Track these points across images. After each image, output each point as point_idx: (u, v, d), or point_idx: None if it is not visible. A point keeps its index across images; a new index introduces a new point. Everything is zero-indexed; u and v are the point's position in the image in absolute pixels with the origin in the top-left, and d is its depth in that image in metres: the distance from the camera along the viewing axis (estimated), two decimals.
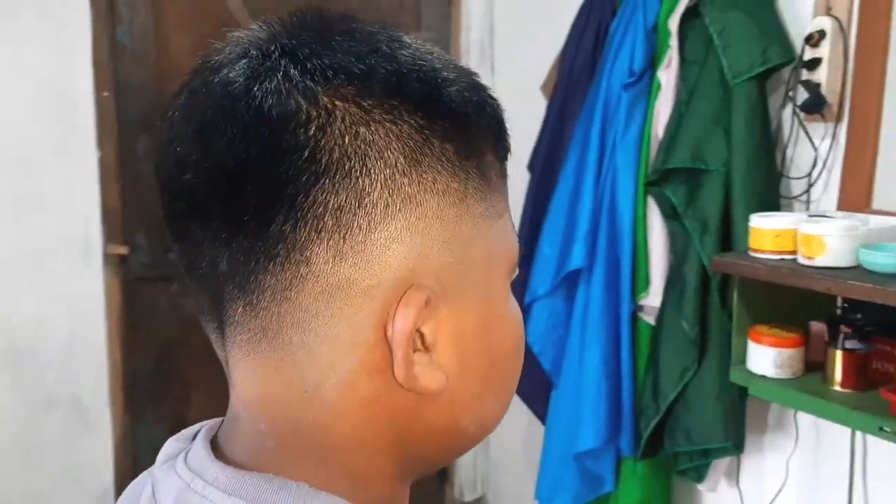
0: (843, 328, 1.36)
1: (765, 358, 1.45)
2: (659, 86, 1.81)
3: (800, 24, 1.65)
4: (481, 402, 0.47)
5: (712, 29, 1.66)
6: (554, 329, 1.98)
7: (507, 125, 0.49)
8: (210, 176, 0.42)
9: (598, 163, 1.89)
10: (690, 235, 1.68)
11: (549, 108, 2.21)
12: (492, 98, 0.47)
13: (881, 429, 1.26)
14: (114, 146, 2.17)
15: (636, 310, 1.88)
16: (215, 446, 0.47)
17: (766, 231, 1.43)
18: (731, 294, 1.68)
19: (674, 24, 1.76)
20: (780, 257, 1.42)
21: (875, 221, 1.42)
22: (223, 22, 2.20)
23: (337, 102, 0.41)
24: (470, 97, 0.45)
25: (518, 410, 2.34)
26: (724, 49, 1.64)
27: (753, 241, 1.46)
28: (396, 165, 0.42)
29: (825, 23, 1.59)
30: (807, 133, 1.65)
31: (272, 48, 0.43)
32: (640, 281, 1.85)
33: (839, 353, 1.37)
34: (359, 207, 0.41)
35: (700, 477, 1.84)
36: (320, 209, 0.41)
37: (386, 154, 0.41)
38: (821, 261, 1.34)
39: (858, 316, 1.39)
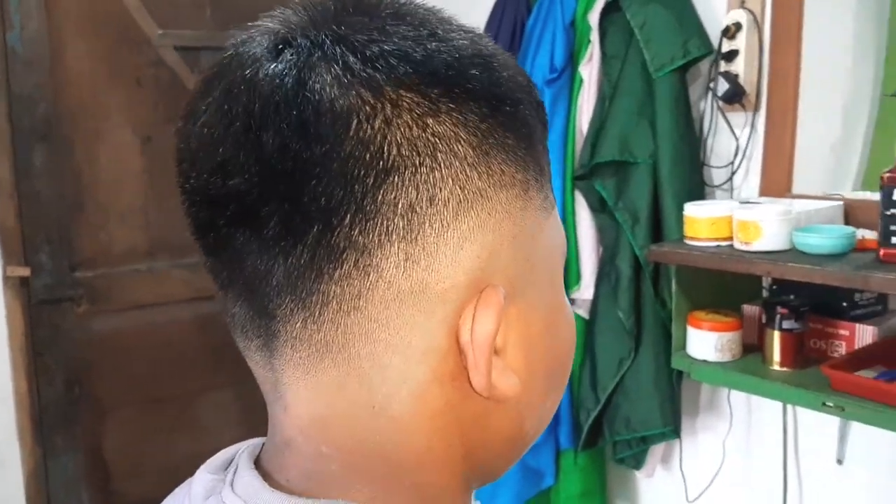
0: (780, 309, 1.41)
1: (705, 343, 1.49)
2: (581, 81, 1.83)
3: (715, 16, 1.70)
4: (543, 403, 0.45)
5: (634, 23, 1.68)
6: None
7: None
8: (263, 180, 0.37)
9: None
10: (622, 227, 1.70)
11: None
12: (533, 83, 0.45)
13: (824, 404, 1.30)
14: (8, 160, 2.02)
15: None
16: (264, 474, 0.42)
17: (702, 219, 1.47)
18: (662, 283, 1.71)
19: (594, 19, 1.78)
20: (717, 244, 1.45)
21: (798, 205, 1.48)
22: (123, 26, 2.08)
23: (402, 92, 0.37)
24: (521, 82, 0.43)
25: None
26: (645, 43, 1.67)
27: (689, 230, 1.49)
28: (466, 158, 0.39)
29: (740, 15, 1.65)
30: (727, 122, 1.71)
31: (321, 36, 0.39)
32: (571, 275, 1.87)
33: (777, 334, 1.42)
34: (430, 205, 0.38)
35: (638, 464, 1.87)
36: (390, 209, 0.37)
37: (455, 147, 0.38)
38: (757, 245, 1.38)
39: (792, 297, 1.44)
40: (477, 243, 0.39)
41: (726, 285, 1.57)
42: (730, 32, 1.65)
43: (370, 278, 0.38)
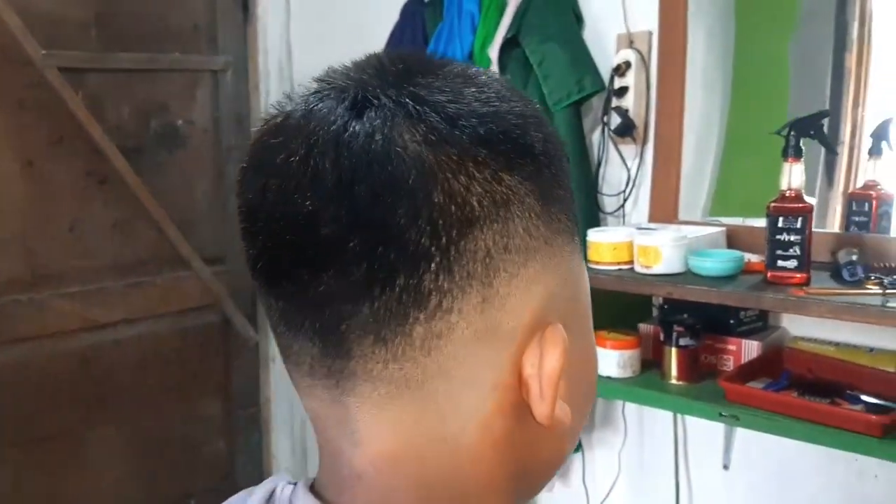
0: (677, 328, 1.52)
1: (609, 360, 1.58)
2: None
3: (606, 55, 1.82)
4: (576, 429, 0.50)
5: (533, 60, 1.78)
6: None
7: None
8: (355, 230, 0.40)
9: None
10: None
11: None
12: (562, 139, 0.50)
13: (721, 414, 1.42)
14: None
15: None
16: None
17: (605, 244, 1.56)
18: None
19: (494, 53, 1.86)
20: (619, 267, 1.56)
21: (687, 231, 1.60)
22: (4, 46, 1.97)
23: (481, 149, 0.41)
24: (559, 138, 0.47)
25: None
26: (544, 79, 1.77)
27: (592, 255, 1.59)
28: (533, 209, 0.43)
29: (629, 55, 1.77)
30: (619, 154, 1.83)
31: (402, 96, 0.42)
32: None
33: (674, 351, 1.53)
34: (505, 252, 0.42)
35: None
36: (471, 256, 0.41)
37: (524, 199, 0.42)
38: (657, 269, 1.49)
39: (686, 315, 1.56)
40: (541, 285, 0.43)
41: (622, 306, 1.68)
42: (620, 70, 1.78)
43: (451, 320, 0.41)
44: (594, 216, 1.82)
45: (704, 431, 1.75)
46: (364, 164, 0.40)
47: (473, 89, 0.43)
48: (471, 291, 0.41)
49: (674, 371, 1.54)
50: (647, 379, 1.58)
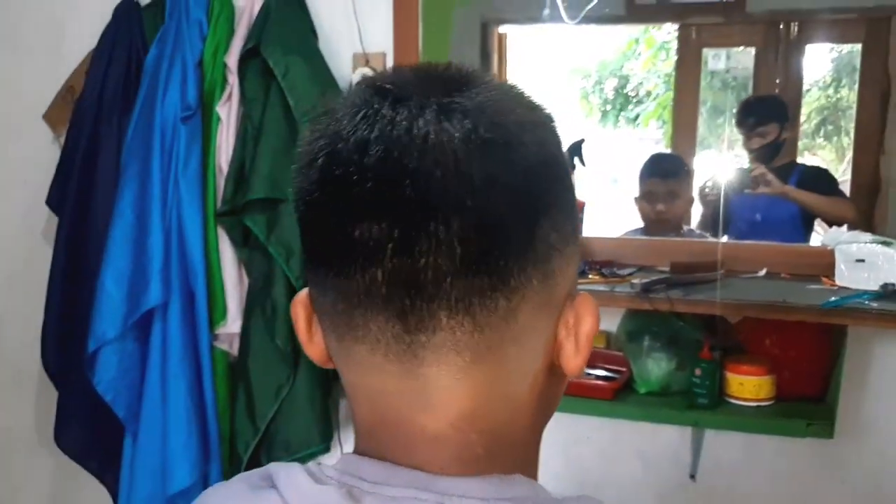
0: None
1: None
2: (218, 119, 1.88)
3: (342, 72, 1.91)
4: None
5: (277, 71, 1.80)
6: (127, 373, 1.88)
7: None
8: (458, 220, 0.45)
9: (163, 196, 1.86)
10: (277, 260, 1.80)
11: (72, 140, 2.05)
12: None
13: None
14: None
15: (213, 339, 1.91)
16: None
17: None
18: None
19: (232, 61, 1.86)
20: None
21: None
22: None
23: (545, 150, 0.49)
24: None
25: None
26: (289, 90, 1.80)
27: None
28: (569, 200, 0.52)
29: (367, 72, 1.89)
30: None
31: (476, 104, 0.47)
32: (217, 311, 1.89)
33: None
34: (558, 236, 0.50)
35: None
36: (538, 239, 0.49)
37: (567, 193, 0.51)
38: None
39: None
40: (574, 263, 0.53)
41: None
42: None
43: (525, 293, 0.49)
44: None
45: None
46: (465, 161, 0.46)
47: (521, 99, 0.51)
48: (538, 269, 0.49)
49: None
50: None
